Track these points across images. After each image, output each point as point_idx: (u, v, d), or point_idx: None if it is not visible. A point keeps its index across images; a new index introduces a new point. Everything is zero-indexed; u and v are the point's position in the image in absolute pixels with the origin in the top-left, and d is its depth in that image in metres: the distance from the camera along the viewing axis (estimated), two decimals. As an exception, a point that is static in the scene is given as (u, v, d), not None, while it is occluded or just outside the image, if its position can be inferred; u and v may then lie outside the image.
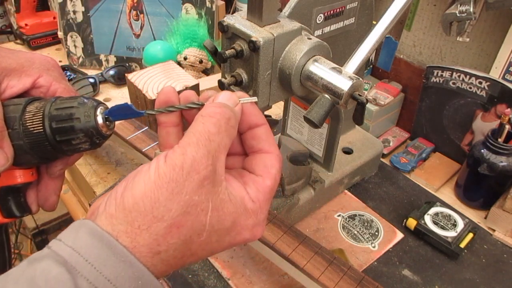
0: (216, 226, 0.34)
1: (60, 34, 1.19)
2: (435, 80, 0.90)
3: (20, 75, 0.43)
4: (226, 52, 0.51)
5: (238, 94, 0.39)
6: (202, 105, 0.38)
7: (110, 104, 0.46)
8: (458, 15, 0.76)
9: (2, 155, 0.39)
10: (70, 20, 1.16)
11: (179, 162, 0.32)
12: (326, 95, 0.51)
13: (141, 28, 1.17)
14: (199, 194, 0.33)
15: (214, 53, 0.55)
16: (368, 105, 0.95)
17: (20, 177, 0.43)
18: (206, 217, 0.33)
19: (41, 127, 0.39)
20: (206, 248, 0.35)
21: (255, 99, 0.39)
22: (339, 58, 0.61)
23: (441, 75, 0.89)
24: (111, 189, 0.35)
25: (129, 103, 0.40)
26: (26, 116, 0.40)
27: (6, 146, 0.39)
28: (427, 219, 0.76)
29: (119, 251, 0.31)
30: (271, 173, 0.38)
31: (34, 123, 0.40)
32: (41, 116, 0.39)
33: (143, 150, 0.78)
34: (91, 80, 1.10)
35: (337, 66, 0.52)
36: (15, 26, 1.34)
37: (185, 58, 1.10)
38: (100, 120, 0.40)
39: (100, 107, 0.40)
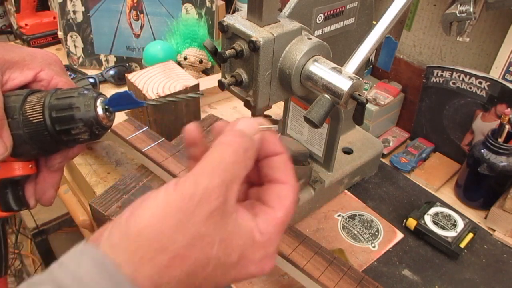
0: (222, 260, 0.32)
1: (60, 34, 1.19)
2: (435, 80, 0.90)
3: (22, 68, 0.43)
4: (226, 52, 0.51)
5: (259, 120, 0.37)
6: (202, 94, 0.37)
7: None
8: (458, 15, 0.76)
9: (1, 144, 0.39)
10: (70, 20, 1.16)
11: (189, 191, 0.31)
12: (326, 95, 0.51)
13: (141, 28, 1.17)
14: (207, 226, 0.31)
15: (214, 53, 0.55)
16: (368, 105, 0.95)
17: (19, 169, 0.43)
18: (212, 250, 0.32)
19: (41, 117, 0.39)
20: (211, 281, 0.33)
21: (275, 126, 0.38)
22: (339, 58, 0.61)
23: (441, 75, 0.89)
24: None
25: (130, 91, 0.40)
26: (27, 106, 0.40)
27: (5, 135, 0.39)
28: (427, 219, 0.76)
29: (120, 282, 0.30)
30: (284, 204, 0.36)
31: (34, 112, 0.40)
32: (41, 106, 0.40)
33: (143, 150, 0.78)
34: (91, 80, 1.10)
35: (337, 66, 0.52)
36: (15, 26, 1.34)
37: (185, 58, 1.10)
38: (100, 110, 0.40)
39: (100, 97, 0.40)
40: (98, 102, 0.40)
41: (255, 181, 0.39)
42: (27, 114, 0.40)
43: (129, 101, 0.39)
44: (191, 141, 0.37)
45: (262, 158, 0.37)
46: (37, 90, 0.42)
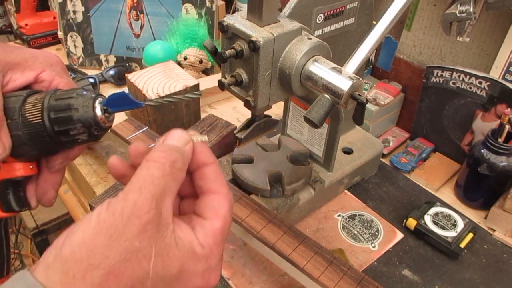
0: (161, 273, 0.32)
1: (60, 34, 1.19)
2: (435, 80, 0.90)
3: (24, 69, 0.43)
4: (226, 52, 0.51)
5: (190, 132, 0.37)
6: (200, 94, 0.38)
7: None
8: (458, 15, 0.76)
9: (0, 145, 0.39)
10: (70, 20, 1.16)
11: (119, 208, 0.31)
12: (326, 95, 0.51)
13: (141, 28, 1.17)
14: (141, 239, 0.31)
15: (214, 53, 0.55)
16: (368, 105, 0.95)
17: (19, 170, 0.43)
18: (149, 263, 0.31)
19: (40, 118, 0.39)
20: None
21: (205, 137, 0.38)
22: (339, 58, 0.61)
23: (441, 75, 0.89)
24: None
25: (126, 91, 0.40)
26: (26, 107, 0.40)
27: (4, 136, 0.39)
28: (427, 219, 0.76)
29: None
30: (219, 214, 0.36)
31: (33, 113, 0.40)
32: (40, 107, 0.40)
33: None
34: (91, 80, 1.10)
35: (337, 66, 0.52)
36: (15, 26, 1.34)
37: (185, 58, 1.10)
38: (98, 111, 0.40)
39: (99, 98, 0.40)
40: (97, 103, 0.40)
41: (191, 195, 0.39)
42: (26, 115, 0.40)
43: (127, 101, 0.39)
44: (118, 175, 0.37)
45: (195, 169, 0.37)
46: (37, 91, 0.42)
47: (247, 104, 0.55)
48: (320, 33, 0.63)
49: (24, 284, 0.30)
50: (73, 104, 0.39)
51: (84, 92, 0.40)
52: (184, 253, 0.33)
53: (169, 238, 0.32)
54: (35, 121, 0.40)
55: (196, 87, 0.89)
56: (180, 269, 0.33)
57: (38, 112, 0.40)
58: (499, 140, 0.77)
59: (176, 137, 0.36)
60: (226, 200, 0.37)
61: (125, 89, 0.41)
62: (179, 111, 0.90)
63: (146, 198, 0.31)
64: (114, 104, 0.40)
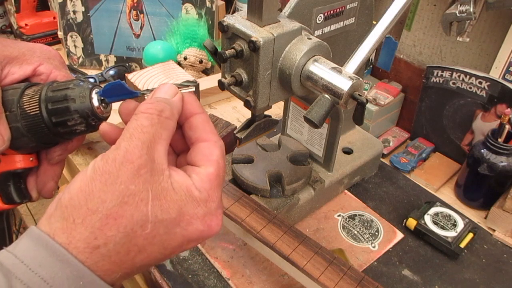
0: (160, 216, 0.33)
1: (60, 34, 1.19)
2: (435, 80, 0.90)
3: (21, 63, 0.44)
4: (226, 52, 0.51)
5: (177, 84, 0.38)
6: (195, 85, 0.38)
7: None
8: (458, 15, 0.76)
9: None
10: (70, 20, 1.16)
11: (111, 156, 0.32)
12: (326, 95, 0.51)
13: (141, 28, 1.17)
14: (136, 183, 0.32)
15: (214, 53, 0.55)
16: (368, 105, 0.95)
17: (20, 162, 0.44)
18: (147, 206, 0.32)
19: (38, 109, 0.40)
20: (155, 242, 0.33)
21: (193, 89, 0.38)
22: (339, 58, 0.61)
23: (441, 75, 0.89)
24: None
25: (122, 81, 0.40)
26: (24, 99, 0.40)
27: (2, 128, 0.40)
28: (427, 219, 0.76)
29: (55, 250, 0.30)
30: (211, 160, 0.36)
31: (31, 105, 0.40)
32: (37, 98, 0.40)
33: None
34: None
35: (337, 66, 0.52)
36: (15, 26, 1.34)
37: (185, 58, 1.10)
38: (95, 101, 0.40)
39: (96, 88, 0.41)
40: (93, 93, 0.40)
41: (185, 150, 0.40)
42: (24, 106, 0.40)
43: (123, 91, 0.39)
44: (112, 140, 0.38)
45: (184, 121, 0.38)
46: (35, 84, 0.43)
47: (247, 104, 0.55)
48: (320, 33, 0.63)
49: (29, 236, 0.31)
50: (69, 95, 0.39)
51: (81, 83, 0.40)
52: (182, 196, 0.34)
53: (165, 183, 0.33)
54: (33, 113, 0.40)
55: (196, 87, 0.88)
56: (179, 212, 0.33)
57: (35, 104, 0.40)
58: (499, 140, 0.77)
59: (164, 90, 0.37)
60: (216, 146, 0.37)
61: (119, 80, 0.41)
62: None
63: (136, 145, 0.32)
64: (110, 94, 0.40)
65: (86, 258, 0.31)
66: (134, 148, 0.32)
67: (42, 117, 0.40)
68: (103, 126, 0.38)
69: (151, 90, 0.39)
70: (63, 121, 0.40)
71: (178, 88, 0.38)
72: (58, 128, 0.40)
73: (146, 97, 0.38)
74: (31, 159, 0.45)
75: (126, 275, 0.33)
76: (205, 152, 0.37)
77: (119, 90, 0.39)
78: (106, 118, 0.42)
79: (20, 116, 0.40)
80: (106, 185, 0.31)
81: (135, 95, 0.39)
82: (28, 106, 0.40)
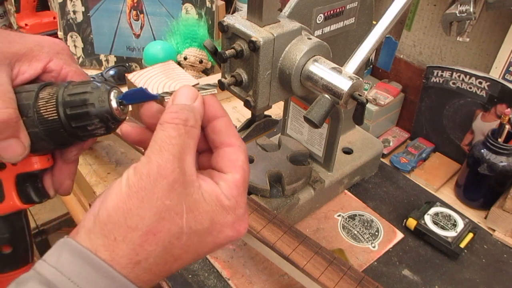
0: (194, 227, 0.34)
1: (60, 34, 1.19)
2: (435, 80, 0.90)
3: (31, 60, 0.42)
4: (226, 52, 0.51)
5: (198, 86, 0.38)
6: (216, 88, 0.38)
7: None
8: (458, 15, 0.76)
9: (19, 144, 0.39)
10: (70, 20, 1.16)
11: (145, 171, 0.33)
12: (326, 95, 0.51)
13: (141, 28, 1.17)
14: (171, 198, 0.33)
15: (214, 53, 0.55)
16: (368, 105, 0.95)
17: (36, 163, 0.43)
18: (182, 219, 0.33)
19: (56, 114, 0.39)
20: (190, 251, 0.35)
21: (214, 91, 0.39)
22: (339, 58, 0.61)
23: (441, 75, 0.89)
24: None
25: (143, 87, 0.40)
26: (40, 103, 0.39)
27: (22, 135, 0.39)
28: (427, 219, 0.76)
29: (99, 266, 0.31)
30: (237, 166, 0.37)
31: (48, 110, 0.39)
32: (54, 103, 0.39)
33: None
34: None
35: (337, 66, 0.52)
36: (15, 26, 1.34)
37: (185, 58, 1.10)
38: (114, 103, 0.39)
39: (114, 90, 0.40)
40: (112, 95, 0.39)
41: (206, 149, 0.40)
42: (41, 111, 0.39)
43: (143, 95, 0.39)
44: (135, 141, 0.39)
45: (206, 124, 0.38)
46: (47, 84, 0.42)
47: (247, 104, 0.55)
48: (320, 33, 0.63)
49: (69, 250, 0.32)
50: (88, 99, 0.39)
51: (98, 85, 0.40)
52: (213, 206, 0.35)
53: (196, 194, 0.34)
54: (51, 118, 0.39)
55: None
56: (211, 222, 0.35)
57: (53, 109, 0.39)
58: (499, 140, 0.77)
59: (185, 94, 0.37)
60: (241, 151, 0.38)
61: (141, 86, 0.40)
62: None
63: (167, 159, 0.33)
64: (130, 98, 0.40)
65: (129, 273, 0.32)
66: (166, 163, 0.33)
67: (61, 122, 0.39)
68: (125, 128, 0.39)
69: (170, 93, 0.38)
70: (83, 126, 0.39)
71: (199, 91, 0.38)
72: (77, 131, 0.40)
73: (166, 99, 0.38)
74: (47, 159, 0.44)
75: (162, 279, 0.34)
76: (231, 158, 0.37)
77: (139, 94, 0.39)
78: (124, 120, 0.41)
79: (37, 121, 0.39)
80: (143, 202, 0.32)
81: (155, 98, 0.39)
82: (45, 111, 0.39)
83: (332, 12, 0.63)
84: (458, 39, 0.78)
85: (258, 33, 0.50)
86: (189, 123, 0.35)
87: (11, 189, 0.43)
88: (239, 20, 0.52)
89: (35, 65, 0.42)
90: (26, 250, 0.47)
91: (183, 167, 0.34)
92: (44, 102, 0.39)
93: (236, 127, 0.86)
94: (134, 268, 0.32)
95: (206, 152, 0.40)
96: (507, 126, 0.77)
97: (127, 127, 0.39)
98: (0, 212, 0.44)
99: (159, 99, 0.39)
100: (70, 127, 0.39)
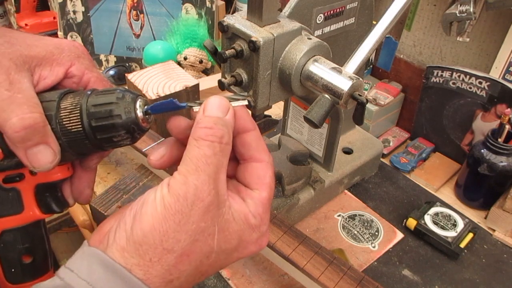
0: (223, 247, 0.35)
1: (60, 34, 1.19)
2: (435, 80, 0.90)
3: (52, 64, 0.39)
4: (226, 52, 0.51)
5: (226, 95, 0.38)
6: (246, 99, 0.38)
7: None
8: (458, 15, 0.76)
9: (49, 150, 0.37)
10: (70, 20, 1.16)
11: (182, 193, 0.32)
12: (326, 95, 0.51)
13: (141, 28, 1.17)
14: (205, 220, 0.33)
15: (214, 53, 0.55)
16: (368, 105, 0.95)
17: (57, 173, 0.42)
18: (214, 240, 0.34)
19: (80, 126, 0.37)
20: (216, 266, 0.36)
21: (245, 102, 0.38)
22: (339, 58, 0.61)
23: (441, 75, 0.89)
24: (118, 214, 0.35)
25: (174, 99, 0.38)
26: (62, 114, 0.38)
27: (51, 141, 0.37)
28: (427, 219, 0.76)
29: (134, 284, 0.31)
30: (265, 183, 0.37)
31: (71, 121, 0.37)
32: (78, 114, 0.37)
33: (143, 150, 0.78)
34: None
35: (337, 66, 0.52)
36: (15, 26, 1.34)
37: (185, 58, 1.10)
38: (139, 113, 0.38)
39: (139, 100, 0.38)
40: (137, 105, 0.38)
41: (232, 158, 0.39)
42: (64, 123, 0.38)
43: (171, 105, 0.38)
44: (182, 135, 0.39)
45: (235, 135, 0.37)
46: (68, 91, 0.40)
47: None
48: (320, 33, 0.63)
49: (102, 264, 0.32)
50: (114, 110, 0.37)
51: (124, 94, 0.38)
52: (241, 226, 0.35)
53: (227, 214, 0.35)
54: (75, 130, 0.37)
55: (196, 87, 0.88)
56: (239, 241, 0.36)
57: (77, 120, 0.37)
58: (499, 140, 0.77)
59: (216, 105, 0.36)
60: (269, 168, 0.38)
61: (171, 98, 0.38)
62: (180, 111, 0.90)
63: (204, 180, 0.33)
64: (157, 108, 0.38)
65: None
66: (203, 185, 0.33)
67: (86, 134, 0.37)
68: (153, 163, 0.39)
69: (199, 103, 0.38)
70: (109, 138, 0.38)
71: (230, 101, 0.37)
72: (102, 143, 0.38)
73: (194, 109, 0.38)
74: (67, 168, 0.43)
75: None
76: (259, 175, 0.37)
77: (167, 105, 0.38)
78: (149, 129, 0.40)
79: (60, 132, 0.38)
80: (179, 225, 0.32)
81: (182, 108, 0.38)
82: (68, 122, 0.37)
83: (332, 12, 0.63)
84: (458, 39, 0.78)
85: (258, 33, 0.50)
86: (224, 140, 0.34)
87: (30, 200, 0.42)
88: (239, 20, 0.52)
89: (56, 70, 0.40)
90: (45, 259, 0.46)
91: (217, 188, 0.34)
92: (67, 113, 0.37)
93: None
94: (166, 287, 0.33)
95: (232, 162, 0.39)
96: (507, 126, 0.77)
97: (155, 162, 0.39)
98: (20, 222, 0.43)
99: (186, 107, 0.38)
100: (94, 139, 0.38)
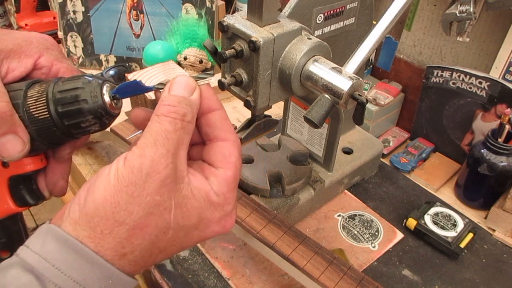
0: (181, 223, 0.34)
1: (60, 34, 1.19)
2: (435, 80, 0.90)
3: (20, 56, 0.40)
4: (226, 52, 0.51)
5: (195, 75, 0.37)
6: (212, 75, 0.37)
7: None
8: (458, 15, 0.76)
9: (18, 140, 0.37)
10: (70, 20, 1.16)
11: (137, 164, 0.32)
12: (326, 95, 0.51)
13: (141, 28, 1.17)
14: (161, 193, 0.32)
15: (214, 53, 0.55)
16: (368, 105, 0.95)
17: (30, 164, 0.42)
18: (170, 215, 0.33)
19: (47, 112, 0.37)
20: (175, 244, 0.35)
21: (211, 79, 0.37)
22: (339, 58, 0.61)
23: (441, 75, 0.89)
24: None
25: (138, 79, 0.38)
26: (29, 102, 0.38)
27: (20, 130, 0.37)
28: (427, 219, 0.76)
29: (85, 253, 0.31)
30: (230, 162, 0.37)
31: (38, 108, 0.37)
32: (44, 101, 0.37)
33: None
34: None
35: (337, 66, 0.52)
36: (15, 26, 1.34)
37: (185, 58, 1.10)
38: (107, 98, 0.38)
39: (106, 84, 0.38)
40: (104, 89, 0.38)
41: (197, 140, 0.39)
42: (31, 110, 0.38)
43: (137, 87, 0.38)
44: (142, 126, 0.38)
45: (200, 115, 0.37)
46: (36, 81, 0.40)
47: (247, 104, 0.55)
48: (320, 33, 0.63)
49: (54, 237, 0.31)
50: (80, 95, 0.37)
51: (90, 79, 0.38)
52: (201, 203, 0.34)
53: (186, 190, 0.34)
54: (42, 117, 0.37)
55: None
56: (199, 218, 0.35)
57: (43, 107, 0.37)
58: (499, 140, 0.77)
59: (183, 85, 0.36)
60: (235, 146, 0.37)
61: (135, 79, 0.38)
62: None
63: (162, 153, 0.32)
64: (124, 91, 0.38)
65: (114, 264, 0.32)
66: (160, 158, 0.32)
67: (53, 121, 0.37)
68: (133, 112, 0.38)
69: (165, 85, 0.37)
70: (76, 123, 0.38)
71: (196, 80, 0.37)
72: (71, 129, 0.38)
73: (161, 92, 0.37)
74: (41, 159, 0.43)
75: (146, 269, 0.35)
76: (224, 153, 0.37)
77: (133, 87, 0.38)
78: (118, 115, 0.40)
79: (28, 120, 0.38)
80: (132, 197, 0.31)
81: (149, 90, 0.38)
82: (35, 110, 0.37)
83: (332, 12, 0.63)
84: (458, 39, 0.78)
85: (258, 33, 0.50)
86: (186, 118, 0.34)
87: (4, 193, 0.42)
88: (239, 20, 0.52)
89: (25, 62, 0.40)
90: None
91: (175, 162, 0.33)
92: (34, 101, 0.38)
93: (236, 127, 0.86)
94: (120, 260, 0.32)
95: (198, 145, 0.40)
96: (507, 126, 0.77)
97: (139, 112, 0.39)
98: None
99: (153, 89, 0.38)
100: (62, 125, 0.38)
